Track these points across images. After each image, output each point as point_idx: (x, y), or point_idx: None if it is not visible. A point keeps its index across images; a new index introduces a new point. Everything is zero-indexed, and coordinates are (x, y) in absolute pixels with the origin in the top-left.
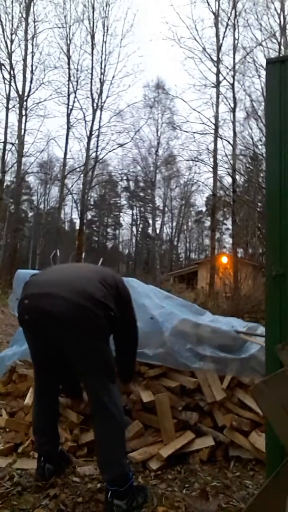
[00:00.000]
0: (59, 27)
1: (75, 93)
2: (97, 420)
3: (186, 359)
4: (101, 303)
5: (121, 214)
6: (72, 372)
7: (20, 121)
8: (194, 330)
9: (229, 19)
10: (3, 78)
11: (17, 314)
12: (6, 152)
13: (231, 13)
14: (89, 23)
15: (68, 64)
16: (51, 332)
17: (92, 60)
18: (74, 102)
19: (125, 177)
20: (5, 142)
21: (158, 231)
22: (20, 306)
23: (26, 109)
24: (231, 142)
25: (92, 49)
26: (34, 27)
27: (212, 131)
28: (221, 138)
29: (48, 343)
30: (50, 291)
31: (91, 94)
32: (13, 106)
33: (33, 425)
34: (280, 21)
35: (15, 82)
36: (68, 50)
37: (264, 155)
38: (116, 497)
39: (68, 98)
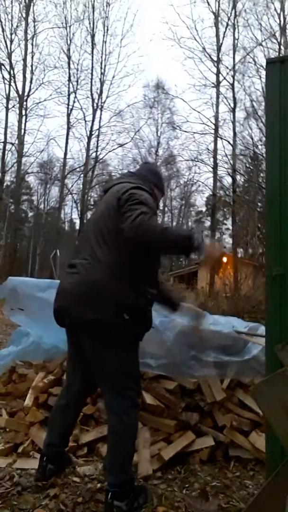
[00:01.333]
0: (59, 27)
1: (75, 93)
2: (109, 425)
3: (191, 367)
4: (114, 307)
5: None
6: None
7: (20, 121)
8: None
9: (229, 19)
10: (3, 78)
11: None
12: (6, 152)
13: (231, 13)
14: (89, 23)
15: (68, 64)
16: (73, 338)
17: (92, 60)
18: (74, 102)
19: None
20: (5, 142)
21: None
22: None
23: (26, 109)
24: (231, 142)
25: (92, 49)
26: (34, 27)
27: (212, 131)
28: (221, 138)
29: (75, 346)
30: (64, 307)
31: (91, 94)
32: (13, 106)
33: (49, 424)
34: (280, 21)
35: (15, 82)
36: (68, 50)
37: (264, 155)
38: (116, 498)
39: (68, 98)
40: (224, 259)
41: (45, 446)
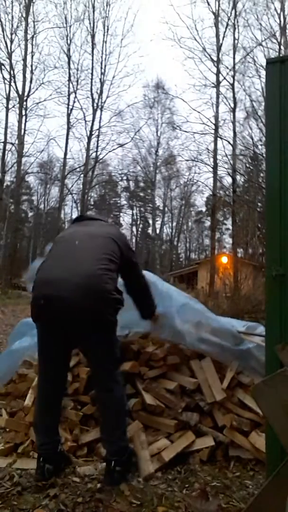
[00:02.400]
0: (59, 27)
1: (75, 93)
2: (103, 402)
3: (194, 341)
4: (111, 299)
5: (121, 214)
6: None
7: (20, 121)
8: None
9: (229, 19)
10: (3, 78)
11: (31, 311)
12: (6, 152)
13: (231, 13)
14: (90, 23)
15: (68, 64)
16: (67, 330)
17: (92, 60)
18: (74, 102)
19: (125, 177)
20: (5, 142)
21: (158, 231)
22: (36, 304)
23: (26, 109)
24: (231, 142)
25: (93, 49)
26: (34, 26)
27: (212, 131)
28: (221, 138)
29: (61, 338)
30: (65, 295)
31: (91, 94)
32: (13, 106)
33: (34, 424)
34: (280, 21)
35: (15, 82)
36: (69, 50)
37: (264, 155)
38: (117, 465)
39: (68, 98)
40: (224, 259)
41: (38, 447)
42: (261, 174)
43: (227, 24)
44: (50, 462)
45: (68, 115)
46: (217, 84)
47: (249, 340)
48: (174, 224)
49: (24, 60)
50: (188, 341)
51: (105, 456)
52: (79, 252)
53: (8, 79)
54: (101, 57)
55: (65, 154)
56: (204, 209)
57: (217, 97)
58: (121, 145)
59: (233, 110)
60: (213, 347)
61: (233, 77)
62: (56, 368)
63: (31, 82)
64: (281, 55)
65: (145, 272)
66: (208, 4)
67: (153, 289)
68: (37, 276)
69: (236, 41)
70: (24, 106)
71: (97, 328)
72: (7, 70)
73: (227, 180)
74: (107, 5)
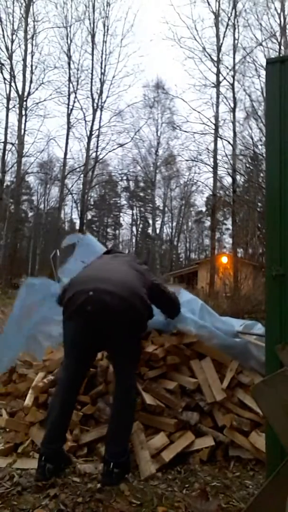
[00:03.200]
0: (60, 27)
1: (75, 93)
2: (119, 401)
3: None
4: (147, 305)
5: (121, 214)
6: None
7: (20, 121)
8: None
9: (229, 19)
10: (3, 78)
11: (67, 304)
12: (6, 152)
13: (231, 13)
14: (90, 23)
15: (69, 64)
16: (106, 325)
17: (93, 60)
18: (74, 102)
19: (125, 177)
20: (5, 142)
21: (158, 231)
22: (80, 296)
23: (26, 109)
24: (231, 142)
25: (93, 49)
26: (34, 26)
27: (212, 131)
28: (221, 138)
29: (98, 334)
30: (113, 289)
31: (91, 94)
32: (13, 106)
33: (47, 422)
34: (280, 21)
35: (15, 82)
36: (69, 50)
37: (264, 155)
38: (118, 467)
39: (68, 98)
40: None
41: (42, 445)
42: (261, 174)
43: (227, 24)
44: (52, 462)
45: (68, 115)
46: (217, 84)
47: (247, 339)
48: (174, 224)
49: (24, 60)
50: (190, 325)
51: (103, 456)
52: (115, 268)
53: (8, 79)
54: (101, 57)
55: (65, 154)
56: (204, 209)
57: (217, 97)
58: (121, 145)
59: (233, 110)
60: (213, 334)
61: (233, 77)
62: (82, 368)
63: (31, 82)
64: (281, 55)
65: None
66: (208, 4)
67: None
68: (72, 280)
69: (236, 41)
70: (24, 106)
71: (133, 330)
72: (7, 70)
73: (227, 180)
74: (107, 5)
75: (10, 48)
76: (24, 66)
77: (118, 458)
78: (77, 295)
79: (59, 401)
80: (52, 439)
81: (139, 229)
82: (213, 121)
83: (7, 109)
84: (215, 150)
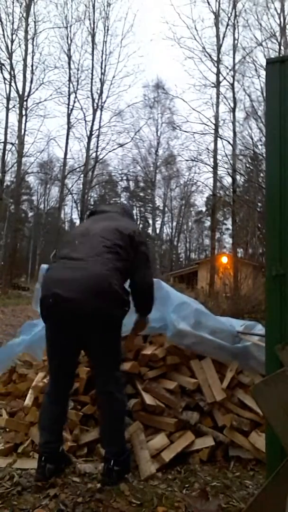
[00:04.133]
0: (60, 27)
1: (75, 93)
2: (103, 405)
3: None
4: (117, 300)
5: None
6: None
7: (20, 121)
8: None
9: (229, 19)
10: (3, 78)
11: (39, 308)
12: (6, 152)
13: (231, 13)
14: (90, 23)
15: (69, 64)
16: (74, 328)
17: (93, 60)
18: (74, 102)
19: (125, 177)
20: (5, 142)
21: (158, 231)
22: (45, 303)
23: (26, 109)
24: (231, 142)
25: (93, 49)
26: (35, 27)
27: (212, 131)
28: (221, 138)
29: (69, 339)
30: (72, 295)
31: (91, 94)
32: (13, 106)
33: (40, 423)
34: (280, 21)
35: (15, 82)
36: (69, 50)
37: (264, 155)
38: (116, 464)
39: (69, 98)
40: (224, 259)
41: (41, 446)
42: (261, 174)
43: (227, 24)
44: (51, 462)
45: (68, 115)
46: (217, 84)
47: (247, 339)
48: (174, 224)
49: (25, 60)
50: (186, 343)
51: (103, 456)
52: (89, 247)
53: (9, 79)
54: (101, 57)
55: (65, 154)
56: (204, 209)
57: (217, 97)
58: (121, 145)
59: (233, 110)
60: (212, 347)
61: (233, 77)
62: (65, 367)
63: (31, 82)
64: (281, 55)
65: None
66: (208, 4)
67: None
68: (45, 275)
69: (236, 41)
70: (24, 106)
71: (100, 327)
72: (7, 70)
73: (227, 180)
74: (107, 5)
75: (10, 48)
76: (25, 66)
77: (117, 456)
78: (43, 300)
79: (48, 402)
80: (47, 438)
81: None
82: (213, 121)
83: (7, 109)
84: (215, 150)
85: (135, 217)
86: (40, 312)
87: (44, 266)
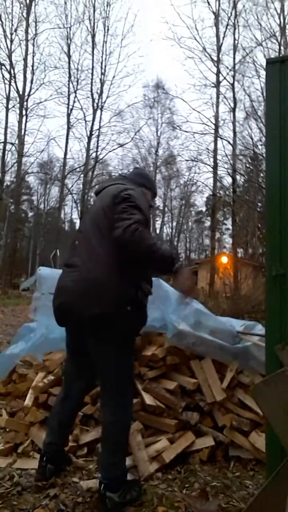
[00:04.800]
0: (60, 27)
1: (75, 93)
2: (105, 421)
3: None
4: (121, 298)
5: None
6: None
7: (20, 121)
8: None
9: (229, 19)
10: (3, 78)
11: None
12: (6, 152)
13: (231, 13)
14: (90, 23)
15: (69, 64)
16: (79, 334)
17: (93, 60)
18: (74, 102)
19: None
20: (5, 142)
21: (158, 231)
22: (55, 312)
23: (26, 109)
24: (231, 142)
25: (93, 49)
26: (35, 27)
27: (212, 131)
28: (221, 138)
29: (80, 345)
30: (66, 307)
31: (91, 94)
32: (13, 106)
33: (48, 422)
34: (280, 21)
35: (15, 82)
36: (69, 50)
37: (264, 155)
38: (108, 489)
39: (69, 98)
40: (224, 259)
41: (45, 445)
42: (261, 174)
43: (227, 24)
44: (53, 463)
45: (68, 115)
46: (217, 84)
47: (247, 339)
48: (174, 224)
49: (25, 60)
50: (186, 343)
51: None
52: (81, 257)
53: (9, 79)
54: (101, 57)
55: (65, 154)
56: (204, 209)
57: (217, 97)
58: (121, 145)
59: (233, 110)
60: (212, 348)
61: (233, 77)
62: (76, 371)
63: (31, 82)
64: (281, 55)
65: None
66: (208, 4)
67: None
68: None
69: (236, 41)
70: (25, 106)
71: (104, 338)
72: (7, 70)
73: (227, 180)
74: (107, 5)
75: (10, 48)
76: (25, 66)
77: (110, 480)
78: (54, 310)
79: (59, 404)
80: (53, 440)
81: None
82: (213, 121)
83: (7, 109)
84: (215, 150)
85: (142, 178)
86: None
87: (41, 269)
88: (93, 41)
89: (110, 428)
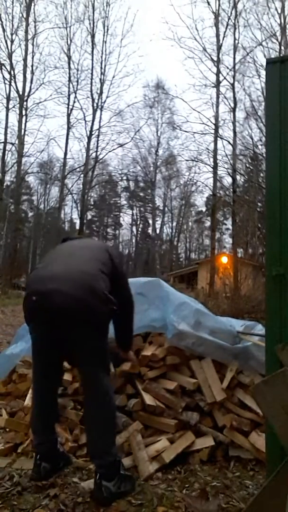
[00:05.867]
0: (60, 27)
1: (75, 93)
2: (89, 409)
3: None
4: (104, 297)
5: (121, 214)
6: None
7: (20, 121)
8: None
9: (229, 19)
10: (3, 78)
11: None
12: (6, 152)
13: (231, 13)
14: (90, 23)
15: (69, 64)
16: (58, 328)
17: (92, 60)
18: (74, 102)
19: (125, 177)
20: (5, 142)
21: (158, 231)
22: (27, 301)
23: (26, 109)
24: (231, 142)
25: (93, 49)
26: (35, 27)
27: (212, 131)
28: (221, 138)
29: (55, 337)
30: (56, 287)
31: (91, 94)
32: (13, 106)
33: (31, 424)
34: (280, 21)
35: (15, 82)
36: (69, 50)
37: (264, 155)
38: (104, 478)
39: (68, 98)
40: (224, 259)
41: (35, 446)
42: (261, 174)
43: (227, 24)
44: (47, 461)
45: (68, 115)
46: (217, 84)
47: (248, 339)
48: (174, 224)
49: (25, 60)
50: (186, 343)
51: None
52: (73, 256)
53: (9, 79)
54: (101, 57)
55: (65, 154)
56: (204, 209)
57: (217, 97)
58: (121, 145)
59: (233, 110)
60: (212, 348)
61: (233, 77)
62: (50, 367)
63: (31, 82)
64: (281, 55)
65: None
66: (208, 4)
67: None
68: (29, 275)
69: (236, 41)
70: (24, 106)
71: (87, 324)
72: (7, 70)
73: (227, 180)
74: (107, 5)
75: (10, 48)
76: (25, 66)
77: (105, 469)
78: (25, 300)
79: (34, 406)
80: (39, 440)
81: (139, 229)
82: (213, 121)
83: (7, 109)
84: (215, 150)
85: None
86: (24, 313)
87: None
88: (92, 41)
89: (99, 416)
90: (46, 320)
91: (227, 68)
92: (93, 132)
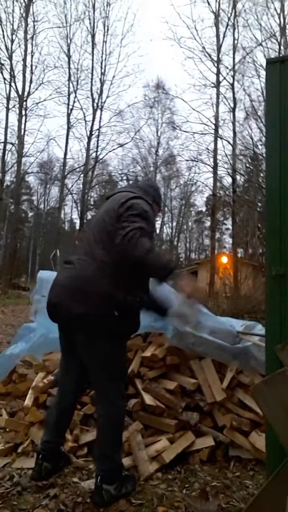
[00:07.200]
0: (59, 27)
1: (75, 93)
2: (97, 416)
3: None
4: (110, 300)
5: None
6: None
7: (20, 121)
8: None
9: (229, 19)
10: (3, 78)
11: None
12: (6, 152)
13: (231, 13)
14: (90, 23)
15: (68, 64)
16: (69, 333)
17: (93, 60)
18: (74, 102)
19: (125, 177)
20: (5, 142)
21: (158, 231)
22: (47, 308)
23: (26, 109)
24: (231, 142)
25: (93, 49)
26: (34, 26)
27: (212, 131)
28: (221, 138)
29: (69, 340)
30: (57, 301)
31: (91, 94)
32: (13, 106)
33: (46, 420)
34: (280, 21)
35: (15, 82)
36: (69, 50)
37: (264, 155)
38: (104, 481)
39: (68, 98)
40: (224, 259)
41: (41, 443)
42: (261, 174)
43: (227, 24)
44: (49, 461)
45: (68, 115)
46: (217, 84)
47: (248, 339)
48: (174, 224)
49: (24, 60)
50: (186, 343)
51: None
52: (79, 254)
53: (8, 79)
54: (101, 57)
55: (65, 154)
56: (204, 209)
57: (217, 97)
58: (121, 145)
59: (233, 110)
60: (212, 348)
61: (233, 77)
62: (71, 368)
63: (31, 82)
64: (281, 55)
65: None
66: (208, 4)
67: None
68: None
69: (236, 41)
70: (24, 106)
71: (86, 332)
72: (7, 70)
73: (227, 180)
74: (107, 5)
75: (10, 48)
76: (24, 66)
77: (106, 473)
78: (46, 305)
79: (54, 403)
80: (49, 438)
81: None
82: (213, 121)
83: (7, 109)
84: (215, 150)
85: (152, 190)
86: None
87: (41, 272)
88: (92, 40)
89: (103, 423)
90: (60, 326)
91: (227, 68)
92: (93, 132)
